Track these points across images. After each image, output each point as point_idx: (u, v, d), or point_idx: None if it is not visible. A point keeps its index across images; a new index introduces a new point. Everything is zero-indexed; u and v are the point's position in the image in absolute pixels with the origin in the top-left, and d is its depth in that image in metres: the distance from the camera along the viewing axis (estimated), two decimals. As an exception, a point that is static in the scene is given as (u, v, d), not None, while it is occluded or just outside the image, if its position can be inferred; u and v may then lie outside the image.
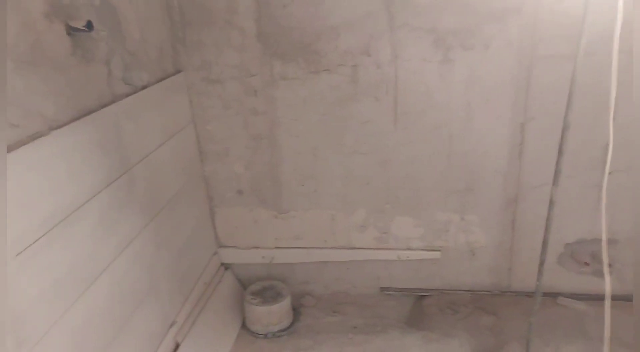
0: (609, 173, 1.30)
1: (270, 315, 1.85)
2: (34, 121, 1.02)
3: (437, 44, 1.66)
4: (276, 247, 2.03)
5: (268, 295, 1.91)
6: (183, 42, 1.74)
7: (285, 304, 1.88)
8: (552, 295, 1.89)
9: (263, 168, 1.91)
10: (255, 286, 1.98)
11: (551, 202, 1.43)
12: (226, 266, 2.10)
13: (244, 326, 1.92)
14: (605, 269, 1.33)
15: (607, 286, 1.29)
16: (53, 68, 1.09)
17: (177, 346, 1.59)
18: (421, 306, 1.98)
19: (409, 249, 1.97)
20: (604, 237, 1.31)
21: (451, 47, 1.66)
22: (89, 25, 1.14)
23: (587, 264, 1.89)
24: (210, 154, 1.91)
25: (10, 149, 0.93)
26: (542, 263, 1.51)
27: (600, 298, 1.36)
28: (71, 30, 1.13)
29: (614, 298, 1.31)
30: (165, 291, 1.58)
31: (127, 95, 1.40)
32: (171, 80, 1.68)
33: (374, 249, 1.99)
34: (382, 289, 2.06)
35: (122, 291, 1.32)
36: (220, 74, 1.78)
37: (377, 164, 1.85)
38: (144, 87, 1.50)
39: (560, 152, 1.37)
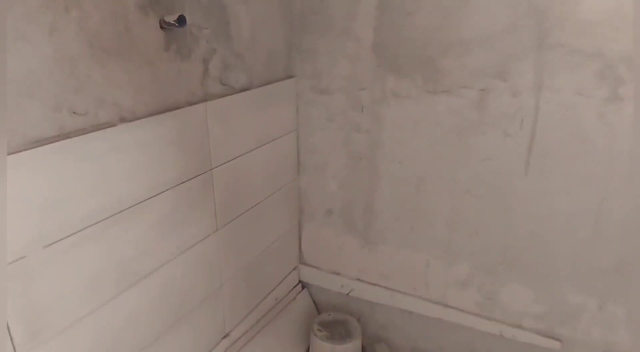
0: None
1: (333, 354, 1.67)
2: (106, 111, 1.01)
3: (603, 74, 1.28)
4: (358, 279, 1.84)
5: (337, 330, 1.73)
6: (299, 48, 1.66)
7: (352, 347, 1.68)
8: None
9: (357, 191, 1.73)
10: (326, 317, 1.82)
11: None
12: (304, 285, 1.98)
13: (306, 354, 1.78)
14: None
15: None
16: (139, 60, 1.07)
17: (226, 360, 1.52)
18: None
19: (518, 327, 1.59)
20: None
21: (622, 81, 1.27)
22: (181, 21, 1.10)
23: None
24: (308, 166, 1.80)
25: (65, 136, 0.92)
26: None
27: None
28: (164, 25, 1.11)
29: None
30: (227, 300, 1.51)
31: (222, 95, 1.35)
32: (280, 85, 1.62)
33: (472, 314, 1.65)
34: (473, 361, 1.72)
35: (175, 292, 1.28)
36: (330, 85, 1.65)
37: (494, 212, 1.53)
38: (243, 90, 1.44)
39: None
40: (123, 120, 1.06)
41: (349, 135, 1.68)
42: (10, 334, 0.88)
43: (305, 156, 1.80)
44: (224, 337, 1.54)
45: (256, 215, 1.60)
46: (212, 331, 1.48)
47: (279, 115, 1.65)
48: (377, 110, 1.60)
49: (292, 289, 1.93)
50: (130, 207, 1.09)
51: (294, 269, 1.93)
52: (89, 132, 0.97)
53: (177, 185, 1.22)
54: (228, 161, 1.41)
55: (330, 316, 1.84)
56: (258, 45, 1.49)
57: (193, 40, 1.22)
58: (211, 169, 1.34)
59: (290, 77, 1.69)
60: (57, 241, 0.93)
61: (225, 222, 1.44)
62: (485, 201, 1.54)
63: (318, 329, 1.76)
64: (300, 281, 1.97)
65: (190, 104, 1.24)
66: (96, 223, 1.01)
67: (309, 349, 1.78)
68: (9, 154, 0.83)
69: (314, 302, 1.99)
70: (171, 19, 1.10)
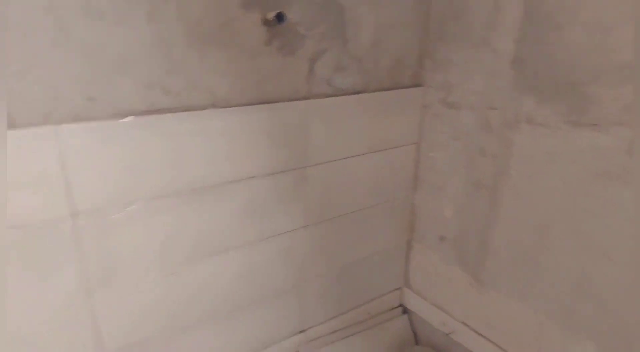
0: None
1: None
2: (198, 95, 1.12)
3: None
4: (463, 323, 1.60)
5: (423, 369, 1.55)
6: (432, 56, 1.53)
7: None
8: None
9: (474, 222, 1.51)
10: (418, 349, 1.64)
11: None
12: (406, 310, 1.83)
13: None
14: None
15: None
16: (238, 52, 1.15)
17: (294, 356, 1.52)
18: None
19: None
20: None
21: None
22: (279, 18, 1.14)
23: None
24: (425, 183, 1.66)
25: (155, 112, 1.06)
26: None
27: None
28: (265, 21, 1.16)
29: None
30: (309, 297, 1.51)
31: (329, 96, 1.35)
32: (404, 93, 1.53)
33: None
34: None
35: (252, 276, 1.33)
36: (460, 99, 1.48)
37: (634, 285, 1.14)
38: (356, 92, 1.41)
39: None
40: (214, 105, 1.15)
41: (473, 158, 1.48)
42: (85, 281, 1.05)
43: (424, 173, 1.66)
44: (300, 332, 1.55)
45: (356, 222, 1.55)
46: (288, 323, 1.50)
47: (399, 124, 1.56)
48: (506, 135, 1.37)
49: (391, 309, 1.80)
50: (210, 186, 1.18)
51: (397, 289, 1.81)
52: (178, 111, 1.10)
53: (266, 175, 1.27)
54: (328, 162, 1.40)
55: (422, 350, 1.67)
56: (381, 49, 1.43)
57: (298, 38, 1.25)
58: (306, 167, 1.35)
59: (418, 85, 1.57)
60: (135, 204, 1.08)
61: (317, 222, 1.44)
62: (623, 269, 1.16)
63: (402, 361, 1.62)
64: (401, 305, 1.83)
65: (291, 99, 1.28)
66: (172, 196, 1.12)
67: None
68: (108, 119, 1.00)
69: (413, 331, 1.82)
70: (271, 15, 1.15)
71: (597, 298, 1.23)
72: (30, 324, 1.00)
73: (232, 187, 1.22)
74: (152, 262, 1.14)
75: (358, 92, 1.42)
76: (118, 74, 1.00)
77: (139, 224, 1.09)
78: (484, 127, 1.43)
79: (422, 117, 1.61)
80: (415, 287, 1.79)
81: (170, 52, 1.05)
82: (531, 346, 1.41)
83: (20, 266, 0.96)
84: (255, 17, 1.15)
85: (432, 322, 1.71)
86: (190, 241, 1.19)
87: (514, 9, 1.28)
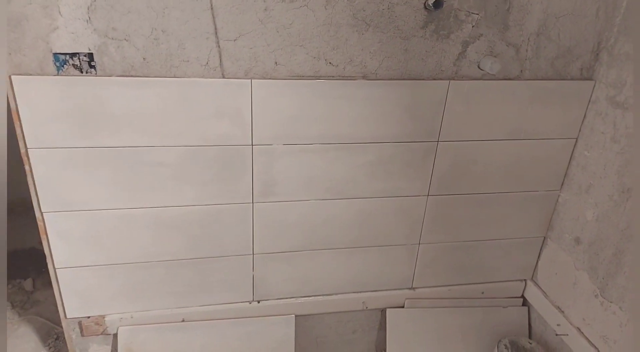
0: None
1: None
2: (353, 68, 1.37)
3: None
4: (577, 328, 1.55)
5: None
6: (611, 50, 1.43)
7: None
8: None
9: (613, 231, 1.43)
10: (525, 342, 1.67)
11: None
12: (526, 303, 1.82)
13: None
14: None
15: None
16: (394, 34, 1.34)
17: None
18: None
19: None
20: None
21: None
22: (436, 4, 1.28)
23: None
24: (573, 182, 1.60)
25: (318, 78, 1.35)
26: None
27: None
28: (426, 6, 1.31)
29: None
30: (423, 259, 1.69)
31: (475, 79, 1.44)
32: (569, 85, 1.49)
33: None
34: None
35: (371, 224, 1.58)
36: (628, 99, 1.38)
37: None
38: (507, 79, 1.46)
39: None
40: (365, 77, 1.39)
41: (627, 164, 1.38)
42: (252, 190, 1.46)
43: (575, 171, 1.59)
44: (410, 288, 1.75)
45: (488, 204, 1.63)
46: (399, 276, 1.71)
47: (558, 116, 1.53)
48: (670, 144, 1.24)
49: (511, 298, 1.83)
50: (349, 143, 1.44)
51: (522, 281, 1.81)
52: (336, 79, 1.37)
53: (398, 142, 1.47)
54: (462, 141, 1.51)
55: (530, 344, 1.69)
56: (546, 38, 1.42)
57: (456, 23, 1.36)
58: (437, 141, 1.50)
59: (588, 79, 1.50)
60: (292, 144, 1.42)
61: (440, 193, 1.58)
62: None
63: (505, 346, 1.67)
64: (523, 296, 1.83)
65: (435, 79, 1.42)
66: (319, 144, 1.43)
67: (487, 356, 1.73)
68: (286, 78, 1.34)
69: (529, 324, 1.82)
70: (430, 1, 1.29)
71: None
72: (216, 206, 1.46)
73: (365, 146, 1.45)
74: (299, 189, 1.48)
75: (509, 79, 1.46)
76: (297, 46, 1.32)
77: (294, 159, 1.44)
78: (646, 133, 1.31)
79: (585, 113, 1.54)
80: (541, 283, 1.76)
81: (337, 32, 1.32)
82: (644, 373, 1.32)
83: (216, 170, 1.41)
84: (417, 3, 1.32)
85: (548, 320, 1.69)
86: (327, 182, 1.49)
87: None
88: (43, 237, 1.38)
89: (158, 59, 1.27)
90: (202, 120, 1.34)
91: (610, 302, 1.44)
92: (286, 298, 1.65)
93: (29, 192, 1.32)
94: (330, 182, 1.50)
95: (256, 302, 1.63)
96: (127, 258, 1.46)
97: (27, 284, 2.05)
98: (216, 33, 1.27)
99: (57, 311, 1.52)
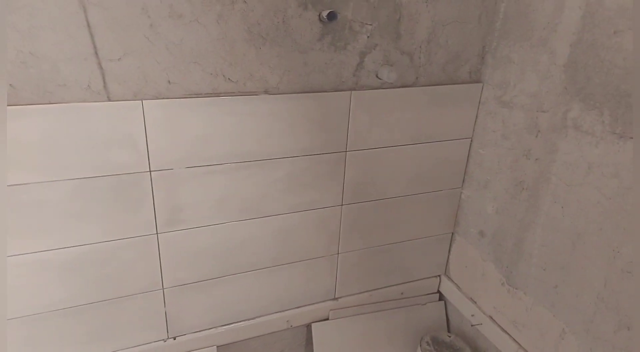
0: None
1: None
2: (253, 83, 1.32)
3: None
4: (490, 317, 1.65)
5: (443, 354, 1.65)
6: (494, 53, 1.54)
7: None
8: None
9: (511, 222, 1.53)
10: (444, 336, 1.73)
11: None
12: (442, 298, 1.90)
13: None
14: None
15: None
16: (292, 47, 1.31)
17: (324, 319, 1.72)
18: None
19: None
20: None
21: None
22: (330, 16, 1.27)
23: None
24: (473, 179, 1.69)
25: (217, 95, 1.28)
26: None
27: None
28: (321, 19, 1.31)
29: None
30: (343, 268, 1.68)
31: (374, 88, 1.46)
32: (460, 88, 1.57)
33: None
34: None
35: (290, 239, 1.54)
36: (513, 99, 1.48)
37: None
38: (404, 86, 1.50)
39: None
40: (267, 92, 1.34)
41: (518, 159, 1.49)
42: (155, 219, 1.34)
43: (473, 168, 1.69)
44: (333, 299, 1.74)
45: (399, 207, 1.66)
46: (321, 289, 1.69)
47: (453, 118, 1.61)
48: (552, 139, 1.36)
49: (429, 294, 1.90)
50: (259, 160, 1.39)
51: (436, 276, 1.89)
52: (236, 95, 1.31)
53: (308, 155, 1.45)
54: (369, 149, 1.52)
55: (450, 337, 1.76)
56: (436, 45, 1.49)
57: (351, 34, 1.37)
58: (346, 151, 1.50)
59: (477, 82, 1.60)
60: (196, 166, 1.33)
61: (353, 201, 1.58)
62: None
63: (427, 343, 1.72)
64: (439, 292, 1.91)
65: (337, 90, 1.42)
66: (227, 163, 1.36)
67: (412, 355, 1.77)
68: (182, 97, 1.25)
69: (447, 318, 1.90)
70: (324, 14, 1.29)
71: (618, 314, 1.21)
72: (113, 242, 1.32)
73: (276, 162, 1.41)
74: (209, 213, 1.40)
75: (406, 86, 1.51)
76: (191, 63, 1.24)
77: (200, 182, 1.35)
78: (532, 129, 1.43)
79: (477, 114, 1.64)
80: (453, 277, 1.85)
81: (233, 48, 1.26)
82: (550, 350, 1.42)
83: (111, 202, 1.27)
84: (311, 16, 1.31)
85: (464, 312, 1.78)
86: (240, 202, 1.42)
87: (575, 10, 1.25)
88: None
89: (28, 85, 1.11)
90: (89, 149, 1.20)
91: (516, 288, 1.54)
92: (205, 330, 1.55)
93: None
94: (244, 202, 1.43)
95: (172, 339, 1.51)
96: (24, 310, 1.27)
97: None
98: (96, 53, 1.14)
99: None
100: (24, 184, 1.17)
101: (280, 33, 1.29)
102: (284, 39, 1.31)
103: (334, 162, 1.50)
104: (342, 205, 1.57)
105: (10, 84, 1.09)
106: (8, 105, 1.10)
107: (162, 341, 1.49)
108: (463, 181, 1.74)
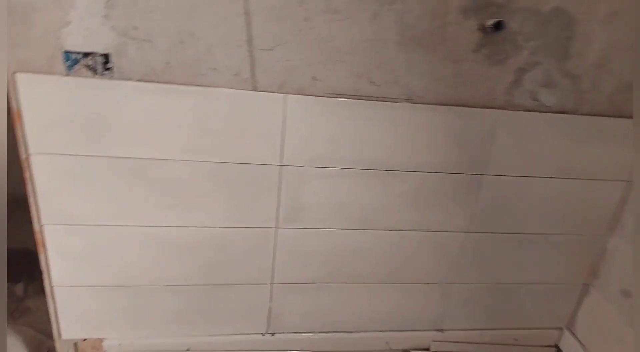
0: None
1: None
2: (396, 89, 1.24)
3: None
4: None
5: None
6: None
7: None
8: None
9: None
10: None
11: None
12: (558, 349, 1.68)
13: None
14: None
15: None
16: (444, 55, 1.22)
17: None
18: None
19: None
20: None
21: None
22: (498, 26, 1.16)
23: None
24: (623, 229, 1.47)
25: (358, 97, 1.23)
26: None
27: None
28: (483, 28, 1.19)
29: None
30: (454, 299, 1.55)
31: (528, 110, 1.31)
32: (625, 123, 1.36)
33: None
34: None
35: (399, 259, 1.44)
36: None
37: None
38: (563, 112, 1.33)
39: None
40: (409, 100, 1.26)
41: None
42: (277, 214, 1.32)
43: (628, 216, 1.45)
44: (438, 330, 1.60)
45: (527, 244, 1.49)
46: (427, 316, 1.57)
47: (610, 155, 1.40)
48: None
49: (544, 347, 1.68)
50: (386, 170, 1.31)
51: (557, 329, 1.66)
52: (378, 100, 1.25)
53: (440, 172, 1.34)
54: (508, 175, 1.37)
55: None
56: (607, 71, 1.30)
57: (513, 48, 1.24)
58: (482, 174, 1.36)
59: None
60: (324, 167, 1.29)
61: (480, 230, 1.44)
62: None
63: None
64: (557, 346, 1.68)
65: (485, 107, 1.29)
66: (353, 168, 1.30)
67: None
68: (323, 96, 1.21)
69: (559, 378, 1.67)
70: (490, 23, 1.17)
71: None
72: (233, 229, 1.33)
73: (404, 175, 1.32)
74: (327, 216, 1.35)
75: (564, 112, 1.33)
76: (338, 62, 1.20)
77: (325, 183, 1.31)
78: None
79: (632, 153, 1.40)
80: (579, 334, 1.61)
81: (382, 50, 1.20)
82: None
83: (237, 190, 1.28)
84: (471, 24, 1.20)
85: (586, 377, 1.54)
86: (359, 210, 1.36)
87: None
88: (40, 251, 1.25)
89: (183, 65, 1.14)
90: (225, 135, 1.22)
91: (664, 366, 1.29)
92: (303, 332, 1.51)
93: (22, 188, 1.19)
94: (363, 211, 1.36)
95: (270, 335, 1.49)
96: (131, 280, 1.33)
97: (18, 288, 1.91)
98: (250, 41, 1.15)
99: (50, 322, 1.39)
100: (160, 159, 1.21)
101: (435, 39, 1.21)
102: (437, 46, 1.22)
103: (466, 184, 1.37)
104: (466, 232, 1.43)
105: (167, 62, 1.14)
106: (163, 82, 1.14)
107: (260, 335, 1.48)
108: (611, 228, 1.50)
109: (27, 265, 1.99)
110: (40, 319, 1.75)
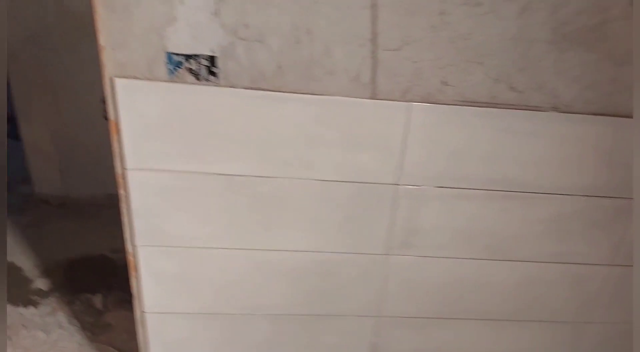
0: None
1: None
2: (541, 97, 1.04)
3: None
4: None
5: None
6: None
7: None
8: None
9: None
10: None
11: None
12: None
13: None
14: None
15: None
16: (603, 57, 1.01)
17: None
18: None
19: None
20: None
21: None
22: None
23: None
24: None
25: (493, 105, 1.03)
26: None
27: None
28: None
29: None
30: (589, 342, 1.33)
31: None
32: None
33: None
34: None
35: (529, 294, 1.24)
36: None
37: None
38: None
39: None
40: (555, 109, 1.06)
41: None
42: (388, 239, 1.15)
43: None
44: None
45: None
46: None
47: None
48: None
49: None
50: (521, 192, 1.11)
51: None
52: (518, 109, 1.05)
53: (586, 195, 1.13)
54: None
55: None
56: None
57: (691, 47, 1.01)
58: (631, 198, 1.14)
59: None
60: (447, 187, 1.10)
61: (628, 263, 1.21)
62: None
63: None
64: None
65: (646, 117, 1.07)
66: (481, 189, 1.11)
67: None
68: (453, 104, 1.02)
69: None
70: (667, 17, 0.95)
71: None
72: (339, 255, 1.18)
73: (543, 198, 1.12)
74: (446, 243, 1.17)
75: None
76: (474, 63, 1.01)
77: (446, 205, 1.13)
78: None
79: None
80: None
81: (528, 50, 1.00)
82: None
83: (347, 212, 1.12)
84: (641, 17, 0.98)
85: None
86: (485, 237, 1.17)
87: None
88: (132, 274, 1.14)
89: (296, 68, 0.99)
90: (337, 149, 1.05)
91: None
92: (408, 373, 1.35)
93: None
94: (490, 238, 1.17)
95: (370, 374, 1.33)
96: (227, 307, 1.20)
97: (97, 300, 1.84)
98: (374, 39, 0.98)
99: (131, 340, 1.29)
100: (265, 176, 1.07)
101: (594, 37, 0.99)
102: (595, 46, 1.00)
103: (615, 210, 1.15)
104: (610, 265, 1.22)
105: (278, 65, 0.98)
106: (272, 90, 0.99)
107: (360, 373, 1.33)
108: None
109: (104, 274, 1.93)
110: (120, 336, 1.67)
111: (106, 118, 0.96)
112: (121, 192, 1.04)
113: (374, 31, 0.97)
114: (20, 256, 1.94)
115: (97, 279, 1.93)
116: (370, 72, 1.01)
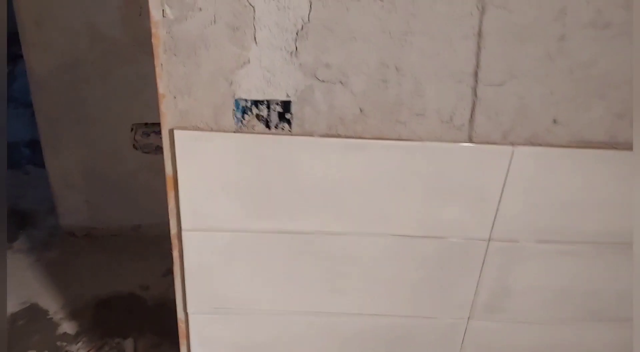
0: None
1: None
2: None
3: None
4: None
5: None
6: None
7: None
8: None
9: None
10: None
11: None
12: None
13: None
14: None
15: None
16: None
17: None
18: None
19: None
20: None
21: None
22: None
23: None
24: None
25: (612, 147, 0.86)
26: None
27: None
28: None
29: None
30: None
31: None
32: None
33: None
34: None
35: None
36: None
37: None
38: None
39: None
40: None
41: None
42: (473, 302, 0.99)
43: None
44: None
45: None
46: None
47: None
48: None
49: None
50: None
51: None
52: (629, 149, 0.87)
53: None
54: None
55: None
56: None
57: None
58: None
59: None
60: (550, 242, 0.93)
61: None
62: None
63: None
64: None
65: None
66: (593, 243, 0.94)
67: None
68: (563, 146, 0.85)
69: None
70: None
71: None
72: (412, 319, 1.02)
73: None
74: (542, 307, 1.00)
75: None
76: (594, 97, 0.83)
77: (547, 263, 0.95)
78: None
79: None
80: None
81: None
82: None
83: (427, 270, 0.96)
84: None
85: None
86: (587, 298, 1.00)
87: None
88: (182, 342, 0.99)
89: (380, 111, 0.82)
90: (421, 201, 0.89)
91: None
92: None
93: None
94: (592, 299, 1.00)
95: None
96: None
97: (128, 346, 1.70)
98: (476, 73, 0.81)
99: None
100: (338, 233, 0.91)
101: None
102: None
103: None
104: None
105: (360, 109, 0.82)
106: (351, 137, 0.83)
107: None
108: None
109: (135, 315, 1.79)
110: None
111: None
112: (175, 254, 0.89)
113: (477, 63, 0.80)
114: (45, 297, 1.80)
115: (128, 320, 1.79)
116: (467, 112, 0.84)
